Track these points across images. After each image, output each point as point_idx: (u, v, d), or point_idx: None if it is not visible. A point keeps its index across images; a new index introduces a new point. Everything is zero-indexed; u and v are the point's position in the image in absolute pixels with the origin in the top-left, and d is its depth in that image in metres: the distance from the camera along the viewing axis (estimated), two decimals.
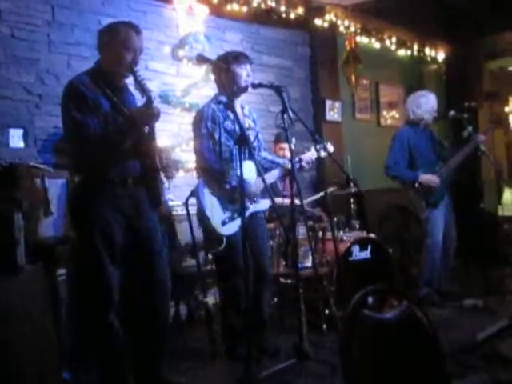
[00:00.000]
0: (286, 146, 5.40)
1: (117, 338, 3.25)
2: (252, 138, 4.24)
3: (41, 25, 4.86)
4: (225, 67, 3.91)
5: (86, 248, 3.27)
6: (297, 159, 4.16)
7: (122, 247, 3.26)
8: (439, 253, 5.50)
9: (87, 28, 5.06)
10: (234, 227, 3.98)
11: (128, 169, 3.29)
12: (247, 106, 4.36)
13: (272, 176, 4.23)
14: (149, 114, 3.25)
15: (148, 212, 3.40)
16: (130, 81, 3.40)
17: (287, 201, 4.01)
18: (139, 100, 3.40)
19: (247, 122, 4.24)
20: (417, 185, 5.45)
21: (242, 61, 4.09)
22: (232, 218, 4.01)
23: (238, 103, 4.19)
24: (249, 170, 3.90)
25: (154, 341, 3.44)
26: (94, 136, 3.15)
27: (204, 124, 4.04)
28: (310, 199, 5.64)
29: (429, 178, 5.44)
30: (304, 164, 4.22)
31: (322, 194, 5.65)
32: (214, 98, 4.20)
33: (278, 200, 4.41)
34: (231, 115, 3.96)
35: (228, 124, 4.06)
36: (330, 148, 4.44)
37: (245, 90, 4.10)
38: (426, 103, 5.65)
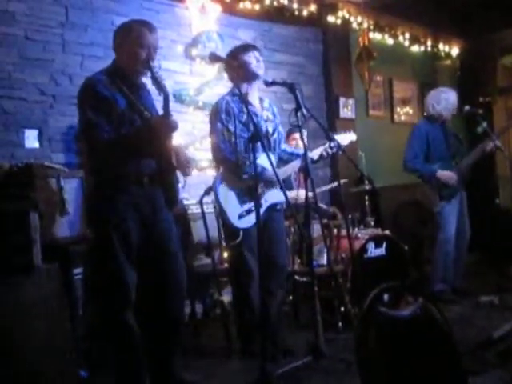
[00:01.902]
0: (297, 135, 5.38)
1: (133, 337, 3.25)
2: (271, 129, 4.24)
3: (54, 26, 4.87)
4: (236, 64, 3.94)
5: (102, 247, 3.28)
6: (322, 149, 4.18)
7: (137, 246, 3.27)
8: (451, 247, 5.49)
9: (101, 28, 5.08)
10: (251, 220, 3.96)
11: (143, 167, 3.29)
12: (267, 99, 4.37)
13: (292, 167, 4.24)
14: (167, 125, 3.25)
15: (164, 211, 3.40)
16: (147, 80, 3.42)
17: (301, 193, 4.00)
18: (157, 100, 3.42)
19: (265, 114, 4.24)
20: (433, 179, 5.44)
21: (249, 49, 4.15)
22: (249, 211, 3.99)
23: (255, 97, 4.22)
24: (265, 161, 3.89)
25: (169, 340, 3.44)
26: (108, 136, 3.16)
27: (218, 117, 4.07)
28: (322, 188, 5.62)
29: (446, 174, 5.43)
30: (329, 151, 4.21)
31: (335, 184, 5.62)
32: (229, 91, 4.24)
33: (293, 193, 4.39)
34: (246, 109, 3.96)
35: (244, 116, 4.07)
36: (353, 136, 4.44)
37: (256, 76, 4.11)
38: (447, 100, 5.64)
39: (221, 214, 4.05)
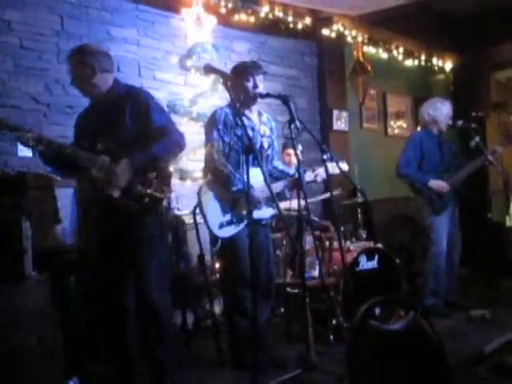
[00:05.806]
0: (292, 151, 5.41)
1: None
2: (266, 145, 4.25)
3: (50, 35, 4.89)
4: (231, 77, 3.92)
5: None
6: (313, 175, 4.19)
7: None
8: (443, 261, 5.49)
9: (96, 38, 5.08)
10: (230, 231, 4.00)
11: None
12: (266, 114, 4.38)
13: (275, 187, 4.23)
14: None
15: (132, 244, 3.49)
16: None
17: (294, 204, 4.01)
18: None
19: (263, 129, 4.25)
20: (425, 189, 5.45)
21: (249, 72, 4.09)
22: (230, 222, 4.02)
23: (254, 111, 4.23)
24: (255, 176, 3.90)
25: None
26: None
27: (215, 127, 4.08)
28: (317, 198, 5.61)
29: (438, 184, 5.44)
30: (319, 179, 4.24)
31: (327, 194, 5.59)
32: (229, 103, 4.23)
33: (285, 204, 4.38)
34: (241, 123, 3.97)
35: (239, 130, 4.07)
36: (345, 167, 4.43)
37: (253, 100, 4.11)
38: (441, 109, 5.66)
39: (203, 220, 4.05)
